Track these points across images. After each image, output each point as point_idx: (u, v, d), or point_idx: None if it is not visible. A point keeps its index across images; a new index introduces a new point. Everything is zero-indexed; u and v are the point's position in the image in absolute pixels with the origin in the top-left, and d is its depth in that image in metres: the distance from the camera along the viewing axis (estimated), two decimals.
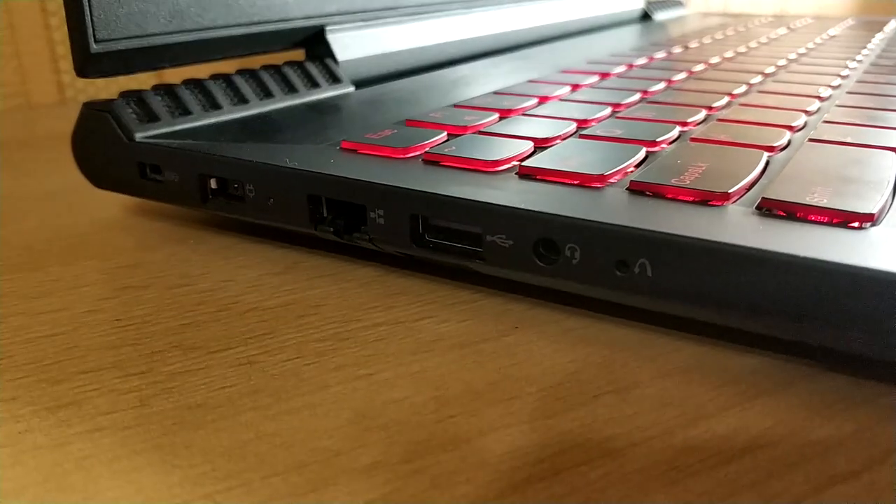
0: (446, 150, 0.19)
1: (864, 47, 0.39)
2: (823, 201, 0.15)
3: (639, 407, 0.14)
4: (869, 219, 0.15)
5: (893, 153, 0.19)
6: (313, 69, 0.27)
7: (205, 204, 0.20)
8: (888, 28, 0.48)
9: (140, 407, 0.14)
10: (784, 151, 0.20)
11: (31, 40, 0.41)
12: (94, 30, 0.20)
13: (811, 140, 0.20)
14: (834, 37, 0.44)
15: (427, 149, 0.19)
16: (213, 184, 0.20)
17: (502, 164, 0.18)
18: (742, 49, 0.38)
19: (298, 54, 0.28)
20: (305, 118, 0.23)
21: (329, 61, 0.27)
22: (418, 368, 0.15)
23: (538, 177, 0.17)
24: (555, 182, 0.17)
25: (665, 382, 0.14)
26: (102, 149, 0.21)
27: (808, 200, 0.15)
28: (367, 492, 0.12)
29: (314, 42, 0.28)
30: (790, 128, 0.21)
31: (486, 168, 0.18)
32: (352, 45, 0.29)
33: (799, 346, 0.14)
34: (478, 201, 0.16)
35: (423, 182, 0.17)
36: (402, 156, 0.19)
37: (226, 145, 0.20)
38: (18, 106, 0.41)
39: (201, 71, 0.25)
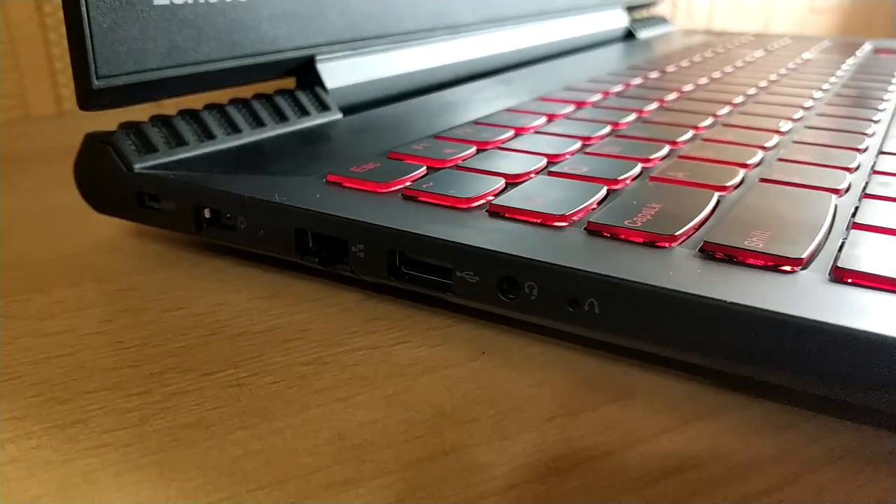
0: (424, 185, 0.21)
1: (833, 74, 0.40)
2: (759, 245, 0.17)
3: (585, 430, 0.15)
4: (799, 263, 0.16)
5: (833, 194, 0.20)
6: (303, 97, 0.28)
7: (199, 232, 0.22)
8: (860, 52, 0.50)
9: (140, 425, 0.15)
10: (737, 190, 0.21)
11: (30, 54, 0.43)
12: (96, 66, 0.22)
13: (762, 180, 0.22)
14: (808, 61, 0.46)
15: (407, 183, 0.21)
16: (207, 214, 0.22)
17: (475, 202, 0.20)
18: (717, 74, 0.40)
19: (289, 82, 0.30)
20: (295, 148, 0.25)
21: (318, 89, 0.29)
22: (392, 392, 0.17)
23: (506, 215, 0.19)
24: (521, 220, 0.19)
25: (611, 407, 0.16)
26: (103, 178, 0.23)
27: (746, 244, 0.17)
28: None
29: (304, 71, 0.29)
30: (745, 165, 0.23)
31: (459, 205, 0.20)
32: (340, 73, 0.30)
33: (734, 374, 0.16)
34: (448, 241, 0.18)
35: (400, 219, 0.19)
36: (383, 190, 0.21)
37: (219, 178, 0.22)
38: (17, 118, 0.43)
39: (196, 100, 0.27)
